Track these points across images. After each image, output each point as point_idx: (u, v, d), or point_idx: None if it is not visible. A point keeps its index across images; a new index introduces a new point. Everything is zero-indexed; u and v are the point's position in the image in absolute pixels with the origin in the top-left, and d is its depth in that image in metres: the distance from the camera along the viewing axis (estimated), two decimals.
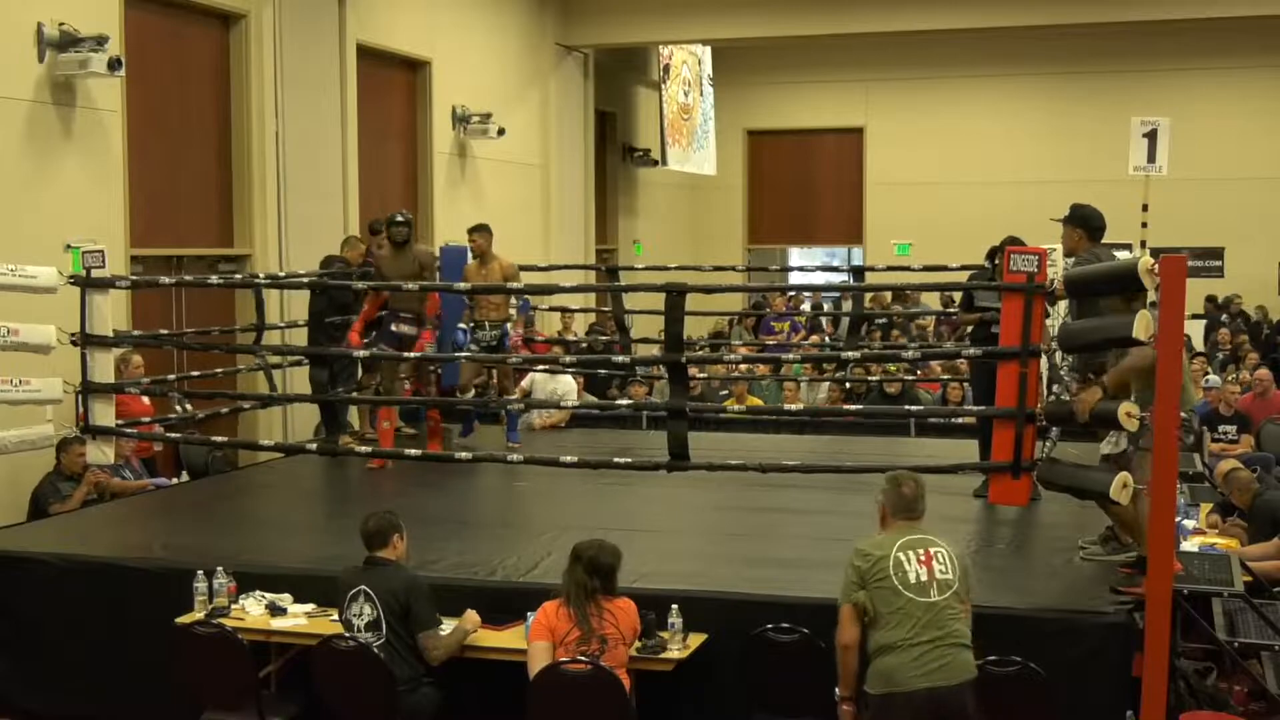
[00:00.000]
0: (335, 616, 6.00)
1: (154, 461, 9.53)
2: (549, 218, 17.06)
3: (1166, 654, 5.52)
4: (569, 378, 11.45)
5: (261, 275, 10.48)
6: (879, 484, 5.30)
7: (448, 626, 5.94)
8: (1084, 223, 6.62)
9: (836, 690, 5.12)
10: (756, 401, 12.34)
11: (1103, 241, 6.65)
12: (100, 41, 9.29)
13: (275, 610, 6.31)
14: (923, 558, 5.01)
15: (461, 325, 9.81)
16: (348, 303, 9.95)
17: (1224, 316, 18.89)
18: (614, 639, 5.53)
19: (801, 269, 22.89)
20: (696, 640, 5.90)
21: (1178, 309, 5.65)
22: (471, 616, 5.98)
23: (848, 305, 15.47)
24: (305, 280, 9.79)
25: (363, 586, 5.82)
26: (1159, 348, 5.73)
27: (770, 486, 8.30)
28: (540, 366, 11.36)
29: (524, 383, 11.30)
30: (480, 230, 9.73)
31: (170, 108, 10.82)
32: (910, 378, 12.11)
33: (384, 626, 5.77)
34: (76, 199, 9.49)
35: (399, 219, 9.26)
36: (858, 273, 16.18)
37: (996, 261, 7.97)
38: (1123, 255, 6.62)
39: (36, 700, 6.87)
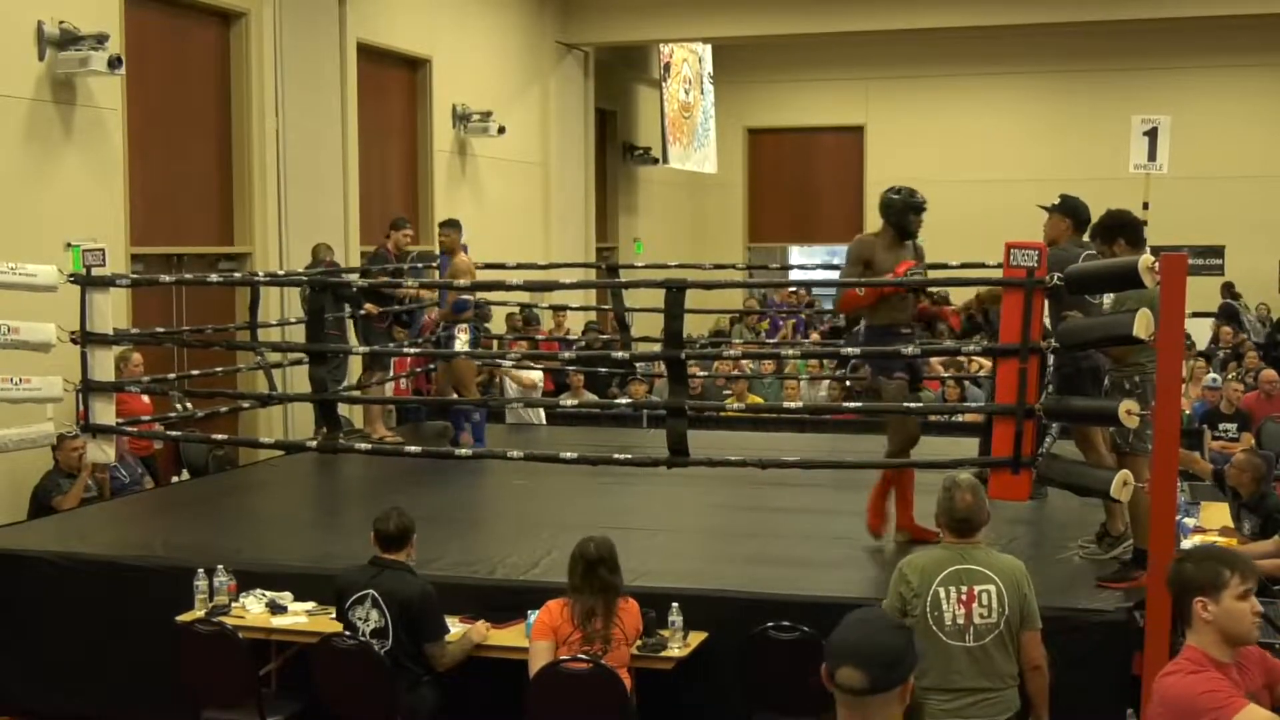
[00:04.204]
0: (335, 614, 5.98)
1: (154, 460, 9.53)
2: (549, 216, 17.06)
3: (1167, 652, 5.50)
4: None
5: (261, 273, 10.48)
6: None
7: (454, 630, 5.94)
8: (1073, 213, 6.62)
9: None
10: (757, 399, 12.33)
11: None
12: (100, 40, 9.29)
13: (275, 608, 6.31)
14: (964, 596, 4.64)
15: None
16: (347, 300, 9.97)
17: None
18: (618, 639, 5.53)
19: (802, 267, 22.88)
20: (697, 639, 5.90)
21: (1178, 307, 5.65)
22: (479, 629, 5.97)
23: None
24: (305, 278, 9.78)
25: (371, 591, 5.78)
26: (1159, 346, 5.73)
27: (770, 485, 8.30)
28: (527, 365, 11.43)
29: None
30: (445, 225, 9.94)
31: (170, 106, 10.82)
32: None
33: (390, 636, 5.74)
34: (77, 197, 9.48)
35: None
36: None
37: None
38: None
39: (36, 700, 6.87)
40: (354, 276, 10.69)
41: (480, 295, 9.79)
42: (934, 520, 4.90)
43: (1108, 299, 6.22)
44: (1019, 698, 4.71)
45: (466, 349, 9.28)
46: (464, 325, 9.51)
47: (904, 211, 7.12)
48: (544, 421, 11.45)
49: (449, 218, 10.48)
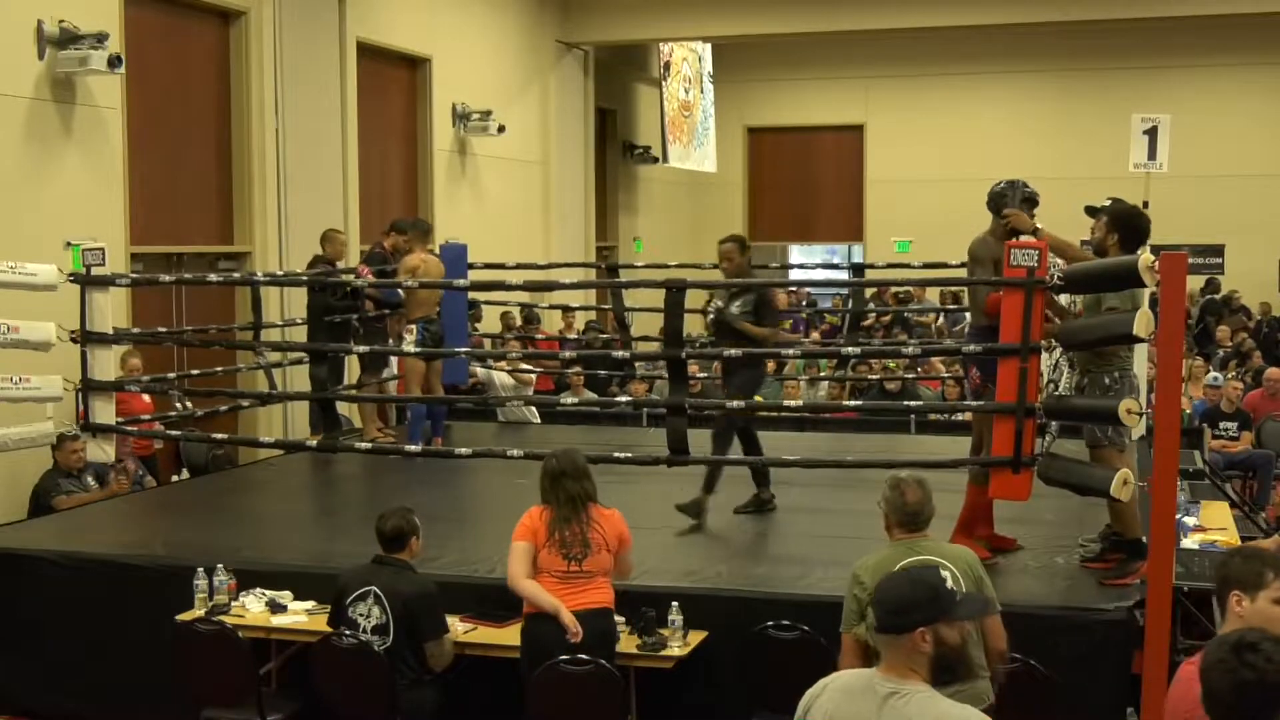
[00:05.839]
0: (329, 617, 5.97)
1: (154, 460, 9.53)
2: (549, 215, 17.06)
3: (1167, 651, 5.51)
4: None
5: (260, 273, 10.48)
6: (882, 486, 4.89)
7: (455, 628, 5.94)
8: None
9: None
10: (757, 398, 12.31)
11: None
12: (100, 39, 9.29)
13: (275, 607, 6.32)
14: None
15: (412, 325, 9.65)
16: (347, 301, 9.96)
17: (1224, 311, 18.91)
18: (597, 543, 5.59)
19: (801, 266, 22.87)
20: (697, 638, 5.90)
21: (1178, 306, 5.65)
22: (451, 624, 5.96)
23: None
24: (304, 278, 9.78)
25: (373, 587, 5.79)
26: (1159, 345, 5.73)
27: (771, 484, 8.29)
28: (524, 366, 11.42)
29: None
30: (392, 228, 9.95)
31: (170, 105, 10.81)
32: (910, 375, 12.11)
33: (391, 633, 5.74)
34: (76, 196, 9.48)
35: None
36: (857, 270, 16.16)
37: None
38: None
39: (36, 700, 6.87)
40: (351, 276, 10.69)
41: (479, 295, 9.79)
42: (883, 520, 4.84)
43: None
44: (991, 690, 4.67)
45: (412, 348, 9.21)
46: (411, 326, 9.46)
47: (1022, 206, 7.11)
48: (538, 420, 11.43)
49: (403, 219, 10.51)
